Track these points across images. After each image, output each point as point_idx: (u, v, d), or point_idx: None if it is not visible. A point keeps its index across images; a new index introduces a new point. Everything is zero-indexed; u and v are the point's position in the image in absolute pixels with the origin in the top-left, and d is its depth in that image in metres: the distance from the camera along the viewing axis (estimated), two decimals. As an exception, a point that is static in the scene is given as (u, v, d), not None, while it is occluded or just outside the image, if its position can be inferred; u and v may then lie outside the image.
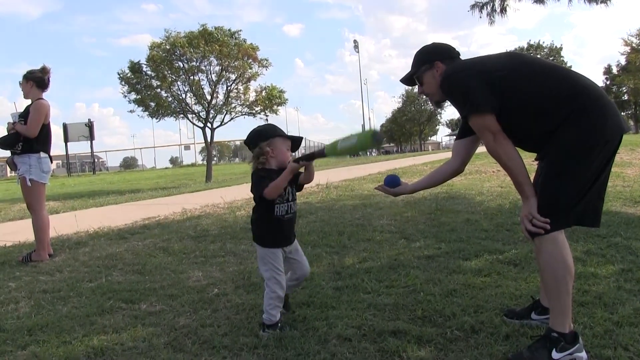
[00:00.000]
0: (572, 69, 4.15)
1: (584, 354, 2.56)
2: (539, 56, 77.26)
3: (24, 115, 5.66)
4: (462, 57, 3.02)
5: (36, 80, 5.82)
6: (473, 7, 9.83)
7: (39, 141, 5.72)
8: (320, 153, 3.00)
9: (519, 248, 4.75)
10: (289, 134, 3.19)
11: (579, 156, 2.53)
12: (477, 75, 2.71)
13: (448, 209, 7.14)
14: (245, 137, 3.20)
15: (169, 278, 4.45)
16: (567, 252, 2.71)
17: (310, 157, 3.03)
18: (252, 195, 3.06)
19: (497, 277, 3.95)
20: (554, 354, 2.53)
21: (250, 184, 3.08)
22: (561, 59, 78.80)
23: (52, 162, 5.91)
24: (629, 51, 54.47)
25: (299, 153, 3.36)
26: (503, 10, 9.68)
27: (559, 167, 2.59)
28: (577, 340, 2.56)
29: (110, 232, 6.94)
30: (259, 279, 4.17)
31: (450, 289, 3.68)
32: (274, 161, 3.06)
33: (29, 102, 5.75)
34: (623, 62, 58.40)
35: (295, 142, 3.20)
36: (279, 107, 25.44)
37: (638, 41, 52.47)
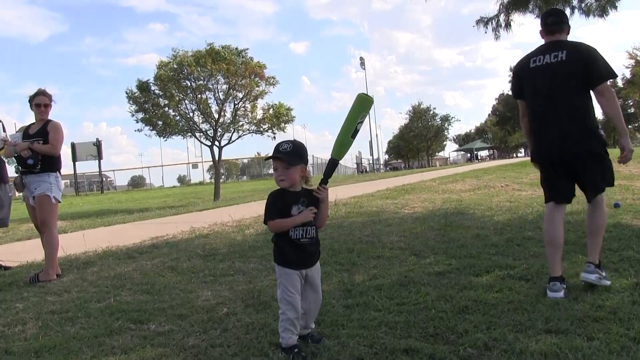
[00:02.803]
0: None
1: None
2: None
3: (41, 135, 5.71)
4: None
5: (51, 100, 5.94)
6: (478, 22, 9.90)
7: (57, 160, 5.81)
8: (334, 164, 3.09)
9: (530, 263, 4.71)
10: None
11: None
12: None
13: (457, 224, 7.10)
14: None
15: (178, 298, 4.42)
16: None
17: (328, 176, 3.07)
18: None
19: (508, 292, 3.90)
20: None
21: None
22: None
23: None
24: (633, 64, 54.55)
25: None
26: (508, 25, 9.75)
27: None
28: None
29: (119, 251, 6.92)
30: (269, 298, 4.14)
31: (462, 306, 3.63)
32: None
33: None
34: (628, 75, 58.33)
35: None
36: (287, 125, 25.51)
37: (643, 55, 52.60)
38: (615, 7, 9.79)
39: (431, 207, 9.54)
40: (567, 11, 9.69)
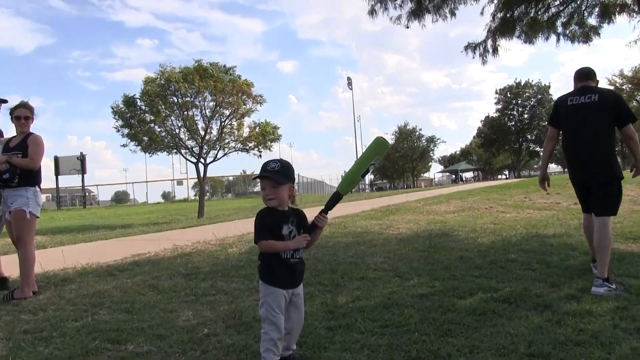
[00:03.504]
0: None
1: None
2: (527, 94, 78.98)
3: (20, 149, 5.62)
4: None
5: (33, 113, 5.85)
6: (466, 48, 10.02)
7: (36, 174, 5.70)
8: (337, 197, 3.13)
9: (513, 286, 4.71)
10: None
11: None
12: None
13: (442, 246, 7.10)
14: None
15: (158, 317, 4.34)
16: None
17: (330, 208, 3.11)
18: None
19: (492, 315, 3.89)
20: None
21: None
22: (549, 96, 79.91)
23: None
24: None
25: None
26: (495, 50, 9.84)
27: None
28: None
29: (99, 268, 6.81)
30: (251, 319, 4.09)
31: (445, 329, 3.61)
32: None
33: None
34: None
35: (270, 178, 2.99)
36: (273, 143, 25.50)
37: (621, 81, 53.70)
38: (598, 34, 10.01)
39: (416, 228, 9.53)
40: (552, 37, 9.88)
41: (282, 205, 3.00)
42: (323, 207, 3.10)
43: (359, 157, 3.12)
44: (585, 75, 5.26)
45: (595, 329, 3.43)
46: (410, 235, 8.42)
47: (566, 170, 5.53)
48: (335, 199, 3.13)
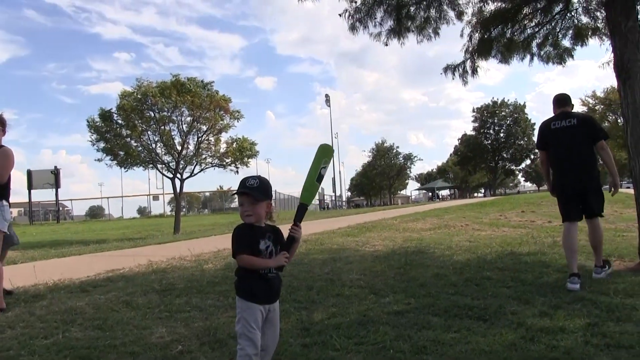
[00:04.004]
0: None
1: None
2: (503, 113, 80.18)
3: None
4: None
5: (4, 126, 5.73)
6: (446, 69, 10.10)
7: (3, 188, 5.58)
8: (303, 208, 3.17)
9: (487, 303, 4.73)
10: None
11: None
12: None
13: (417, 263, 7.12)
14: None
15: (131, 334, 4.28)
16: None
17: (299, 219, 3.11)
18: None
19: (466, 333, 3.90)
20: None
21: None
22: (525, 115, 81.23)
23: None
24: (586, 111, 56.97)
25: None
26: (474, 71, 9.96)
27: None
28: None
29: (72, 284, 6.69)
30: (225, 336, 4.06)
31: (420, 346, 3.61)
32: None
33: None
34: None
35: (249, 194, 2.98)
36: (250, 160, 25.45)
37: (594, 101, 54.94)
38: (572, 56, 10.23)
39: (392, 245, 9.56)
40: (527, 58, 10.04)
41: (259, 222, 2.99)
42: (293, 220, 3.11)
43: (310, 167, 3.25)
44: (563, 102, 6.29)
45: (568, 345, 3.46)
46: (386, 253, 8.44)
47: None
48: (302, 210, 3.17)
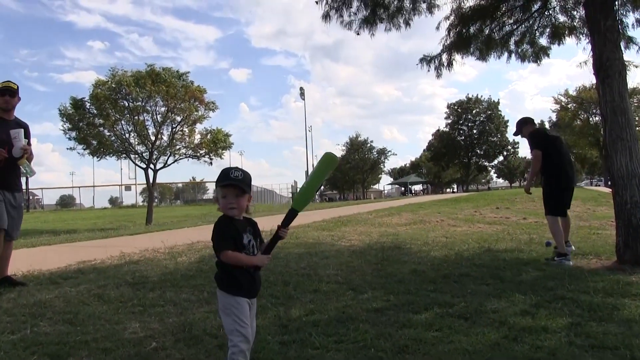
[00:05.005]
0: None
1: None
2: (477, 110, 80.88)
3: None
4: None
5: None
6: (422, 60, 10.04)
7: None
8: (294, 213, 3.00)
9: (468, 301, 4.68)
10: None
11: None
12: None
13: (394, 259, 7.08)
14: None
15: (103, 329, 4.13)
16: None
17: (288, 223, 2.99)
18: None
19: (448, 331, 3.84)
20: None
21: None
22: (499, 112, 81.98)
23: None
24: (559, 109, 57.69)
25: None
26: (450, 64, 9.94)
27: None
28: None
29: (41, 276, 6.49)
30: (201, 332, 3.94)
31: (401, 345, 3.54)
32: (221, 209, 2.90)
33: None
34: (554, 118, 61.86)
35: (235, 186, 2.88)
36: (224, 151, 25.29)
37: (566, 100, 55.64)
38: (548, 55, 10.30)
39: (368, 240, 9.51)
40: (505, 55, 10.08)
41: (240, 215, 2.89)
42: (281, 221, 3.00)
43: (310, 173, 3.09)
44: (533, 121, 7.90)
45: (552, 345, 3.42)
46: (362, 248, 8.39)
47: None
48: (292, 215, 3.01)
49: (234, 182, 2.82)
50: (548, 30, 9.86)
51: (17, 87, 5.92)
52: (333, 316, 4.32)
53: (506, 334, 3.71)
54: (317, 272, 6.25)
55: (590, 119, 53.68)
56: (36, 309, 4.80)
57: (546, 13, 9.54)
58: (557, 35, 9.76)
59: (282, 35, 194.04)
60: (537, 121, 7.65)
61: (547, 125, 66.58)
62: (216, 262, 2.94)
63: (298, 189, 3.20)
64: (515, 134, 7.93)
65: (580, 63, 9.91)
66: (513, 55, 10.25)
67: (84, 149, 23.20)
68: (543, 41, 10.10)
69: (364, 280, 5.76)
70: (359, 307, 4.60)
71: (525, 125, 7.74)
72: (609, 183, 7.67)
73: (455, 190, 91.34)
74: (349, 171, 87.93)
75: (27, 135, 5.94)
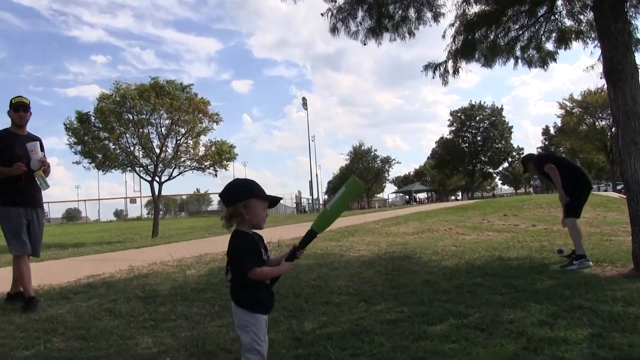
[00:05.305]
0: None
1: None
2: (481, 116, 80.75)
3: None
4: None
5: None
6: (426, 67, 10.00)
7: None
8: (313, 235, 2.94)
9: (483, 311, 4.62)
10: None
11: None
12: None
13: (405, 269, 7.02)
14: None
15: (116, 344, 4.10)
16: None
17: (304, 245, 2.94)
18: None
19: (465, 343, 3.78)
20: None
21: (229, 245, 2.83)
22: (503, 118, 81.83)
23: None
24: (564, 114, 57.46)
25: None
26: (456, 71, 9.90)
27: None
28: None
29: (51, 290, 6.45)
30: (214, 346, 3.91)
31: (418, 357, 3.50)
32: (248, 223, 2.84)
33: None
34: (559, 123, 61.77)
35: (273, 202, 2.97)
36: (229, 162, 25.30)
37: (571, 104, 55.48)
38: (555, 59, 10.22)
39: (376, 250, 9.45)
40: (511, 61, 10.04)
41: (252, 227, 2.88)
42: (299, 242, 2.95)
43: (336, 198, 2.96)
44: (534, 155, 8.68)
45: (574, 357, 3.35)
46: (371, 258, 8.33)
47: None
48: (311, 237, 2.95)
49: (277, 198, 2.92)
50: (554, 34, 9.80)
51: (29, 102, 5.92)
52: (347, 329, 4.27)
53: (525, 345, 3.65)
54: (327, 283, 6.19)
55: (597, 123, 53.51)
56: (48, 324, 4.78)
57: (552, 17, 9.48)
58: (564, 39, 9.70)
59: (283, 46, 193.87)
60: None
61: (552, 131, 66.49)
62: (232, 279, 2.87)
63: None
64: (524, 172, 8.85)
65: (587, 67, 9.88)
66: (519, 61, 10.21)
67: (90, 163, 23.23)
68: (549, 46, 10.05)
69: (376, 291, 5.70)
70: (373, 319, 4.54)
71: (529, 163, 8.04)
72: (618, 188, 7.56)
73: (460, 197, 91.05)
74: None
75: (42, 148, 5.96)
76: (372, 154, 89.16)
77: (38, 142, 5.74)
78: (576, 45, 9.81)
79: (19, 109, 5.79)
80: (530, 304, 4.78)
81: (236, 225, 2.83)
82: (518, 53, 10.09)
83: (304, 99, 68.57)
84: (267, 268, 2.80)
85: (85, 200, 65.74)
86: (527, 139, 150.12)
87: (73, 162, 23.65)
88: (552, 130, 71.37)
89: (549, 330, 3.96)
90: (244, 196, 2.81)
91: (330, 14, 9.24)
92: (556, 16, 9.50)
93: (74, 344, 4.16)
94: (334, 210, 2.97)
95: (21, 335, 4.47)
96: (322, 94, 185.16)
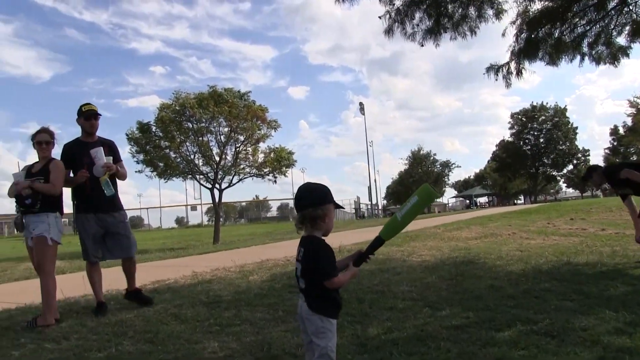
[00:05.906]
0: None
1: None
2: (543, 117, 78.59)
3: (42, 174, 5.54)
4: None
5: (54, 139, 5.78)
6: (489, 69, 9.80)
7: (57, 200, 5.61)
8: (380, 242, 2.93)
9: (552, 318, 4.47)
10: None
11: None
12: None
13: (469, 274, 6.88)
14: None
15: (183, 348, 4.18)
16: None
17: (372, 251, 2.94)
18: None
19: (535, 350, 3.66)
20: None
21: (313, 255, 2.80)
22: (566, 119, 79.50)
23: None
24: (634, 112, 54.99)
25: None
26: (519, 72, 9.65)
27: None
28: None
29: (119, 295, 6.66)
30: (280, 351, 3.91)
31: (488, 365, 3.40)
32: (323, 229, 2.84)
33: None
34: (629, 122, 59.19)
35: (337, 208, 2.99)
36: (288, 169, 25.46)
37: (643, 102, 53.16)
38: (627, 55, 9.68)
39: (439, 255, 9.31)
40: (577, 58, 9.70)
41: (323, 233, 2.89)
42: (365, 249, 2.94)
43: (408, 207, 2.87)
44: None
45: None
46: (434, 263, 8.21)
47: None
48: (378, 243, 2.93)
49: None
50: (627, 28, 9.36)
51: (97, 108, 6.10)
52: (412, 334, 4.21)
53: (601, 354, 3.49)
54: (390, 288, 6.14)
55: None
56: (118, 328, 4.93)
57: (625, 10, 9.07)
58: (639, 32, 9.26)
59: (339, 51, 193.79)
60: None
61: (621, 131, 63.96)
62: (305, 288, 2.82)
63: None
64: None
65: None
66: (586, 57, 9.83)
67: (152, 171, 23.78)
68: (621, 40, 9.61)
69: (440, 297, 5.61)
70: (438, 325, 4.46)
71: (595, 172, 7.85)
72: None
73: (522, 201, 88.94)
74: (412, 185, 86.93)
75: (115, 151, 6.11)
76: (432, 158, 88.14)
77: (101, 148, 5.85)
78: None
79: (90, 117, 5.97)
80: (604, 310, 4.59)
81: (308, 231, 2.82)
82: (585, 50, 9.73)
83: (361, 103, 68.62)
84: (342, 275, 2.79)
85: (147, 208, 67.57)
86: (593, 139, 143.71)
87: (136, 171, 24.28)
88: (621, 130, 68.43)
89: (628, 339, 3.76)
90: (323, 200, 2.83)
91: (388, 16, 9.19)
92: (629, 7, 9.06)
93: (143, 347, 4.27)
94: (405, 219, 2.90)
95: (94, 338, 4.63)
96: (379, 99, 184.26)
